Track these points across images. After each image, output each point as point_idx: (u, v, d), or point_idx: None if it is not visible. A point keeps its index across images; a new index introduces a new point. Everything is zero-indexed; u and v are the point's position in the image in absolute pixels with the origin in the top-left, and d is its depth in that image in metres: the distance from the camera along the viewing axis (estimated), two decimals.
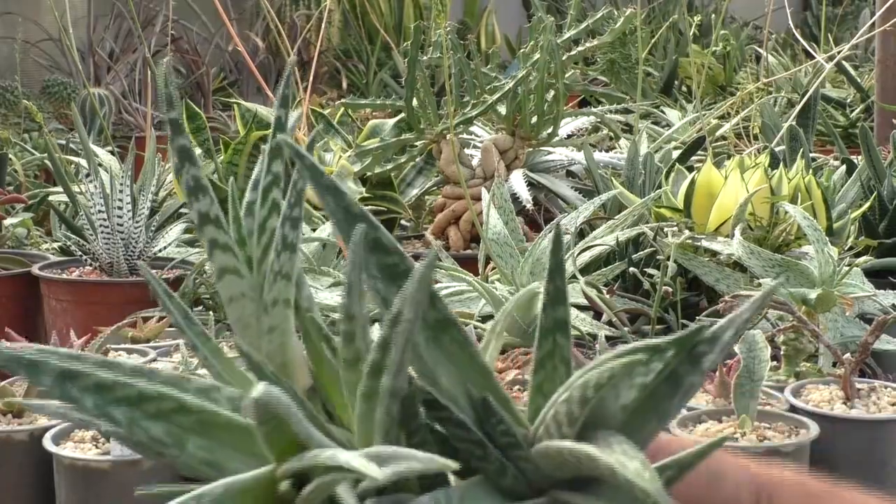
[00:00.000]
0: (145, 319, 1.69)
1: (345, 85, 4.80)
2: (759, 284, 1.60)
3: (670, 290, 1.63)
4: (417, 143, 2.45)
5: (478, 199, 2.18)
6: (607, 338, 1.48)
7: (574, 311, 1.61)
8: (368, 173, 2.40)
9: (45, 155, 2.52)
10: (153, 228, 2.01)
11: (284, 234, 0.46)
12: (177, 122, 0.45)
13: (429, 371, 0.43)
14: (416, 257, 0.49)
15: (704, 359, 0.43)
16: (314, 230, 2.08)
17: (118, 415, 0.42)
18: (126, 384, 0.42)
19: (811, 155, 2.53)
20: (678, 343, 0.43)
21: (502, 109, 2.39)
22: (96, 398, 0.42)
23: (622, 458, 0.38)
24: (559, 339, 0.47)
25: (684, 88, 4.13)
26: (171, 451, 0.43)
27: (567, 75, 2.42)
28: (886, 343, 1.55)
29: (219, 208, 0.46)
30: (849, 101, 3.62)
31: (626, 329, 1.60)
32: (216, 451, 0.43)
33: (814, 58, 3.07)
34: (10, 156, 2.71)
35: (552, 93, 2.36)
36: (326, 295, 1.67)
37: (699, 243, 1.74)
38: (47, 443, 1.32)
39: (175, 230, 2.15)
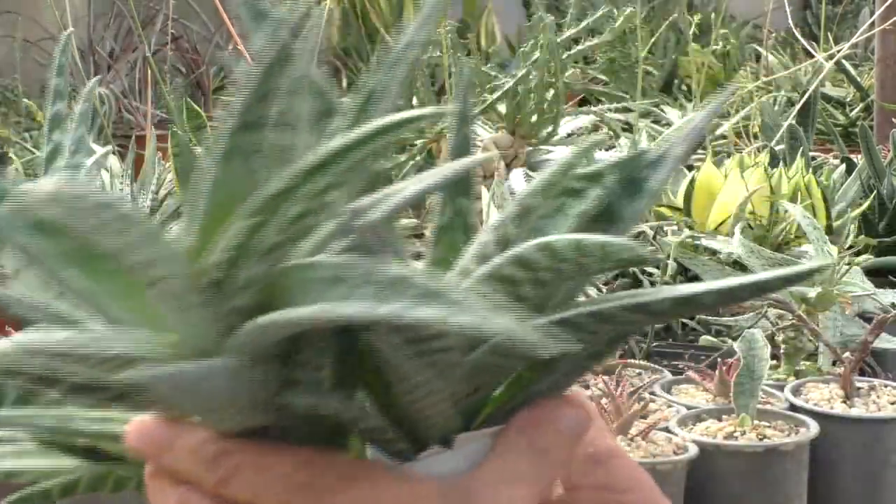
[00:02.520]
0: None
1: (345, 84, 4.80)
2: None
3: None
4: (417, 142, 2.45)
5: (478, 197, 2.18)
6: None
7: None
8: None
9: None
10: None
11: None
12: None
13: None
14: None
15: (646, 184, 0.42)
16: None
17: None
18: None
19: (811, 154, 2.52)
20: (620, 167, 0.41)
21: (502, 108, 2.39)
22: None
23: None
24: (461, 202, 0.46)
25: (684, 87, 4.12)
26: None
27: (567, 74, 2.42)
28: (886, 342, 1.55)
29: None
30: (848, 99, 3.62)
31: None
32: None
33: (813, 56, 3.07)
34: (11, 154, 2.71)
35: (552, 91, 2.36)
36: None
37: (699, 242, 1.74)
38: None
39: (175, 229, 2.15)
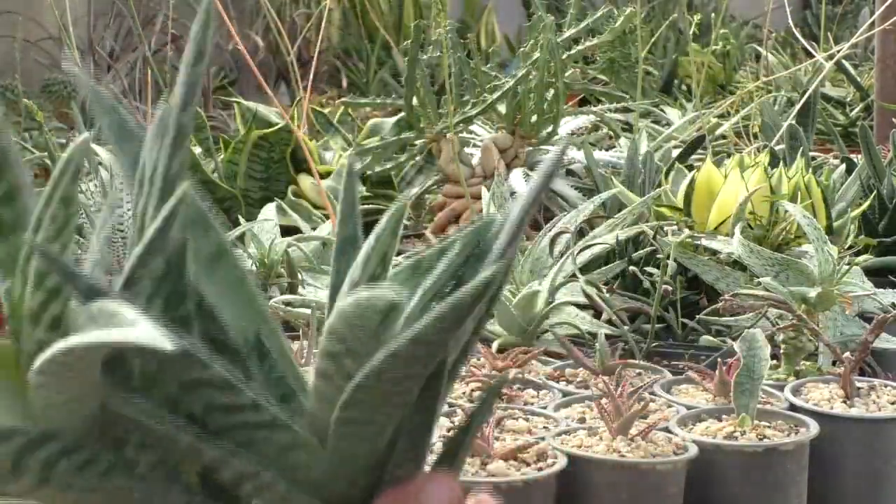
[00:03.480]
0: None
1: (345, 84, 4.80)
2: (759, 283, 1.60)
3: (670, 288, 1.63)
4: (417, 142, 2.45)
5: (478, 197, 2.18)
6: (607, 336, 1.49)
7: (574, 310, 1.61)
8: (368, 172, 2.40)
9: (45, 154, 2.51)
10: None
11: None
12: None
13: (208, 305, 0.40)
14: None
15: (490, 251, 0.42)
16: (314, 229, 2.08)
17: None
18: None
19: (811, 154, 2.53)
20: (464, 239, 0.41)
21: (502, 108, 2.39)
22: None
23: None
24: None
25: (684, 87, 4.12)
26: None
27: (567, 74, 2.42)
28: (886, 341, 1.56)
29: None
30: (848, 99, 3.62)
31: (625, 327, 1.60)
32: None
33: (813, 56, 3.07)
34: None
35: (552, 91, 2.36)
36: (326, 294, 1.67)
37: (699, 242, 1.74)
38: None
39: None
